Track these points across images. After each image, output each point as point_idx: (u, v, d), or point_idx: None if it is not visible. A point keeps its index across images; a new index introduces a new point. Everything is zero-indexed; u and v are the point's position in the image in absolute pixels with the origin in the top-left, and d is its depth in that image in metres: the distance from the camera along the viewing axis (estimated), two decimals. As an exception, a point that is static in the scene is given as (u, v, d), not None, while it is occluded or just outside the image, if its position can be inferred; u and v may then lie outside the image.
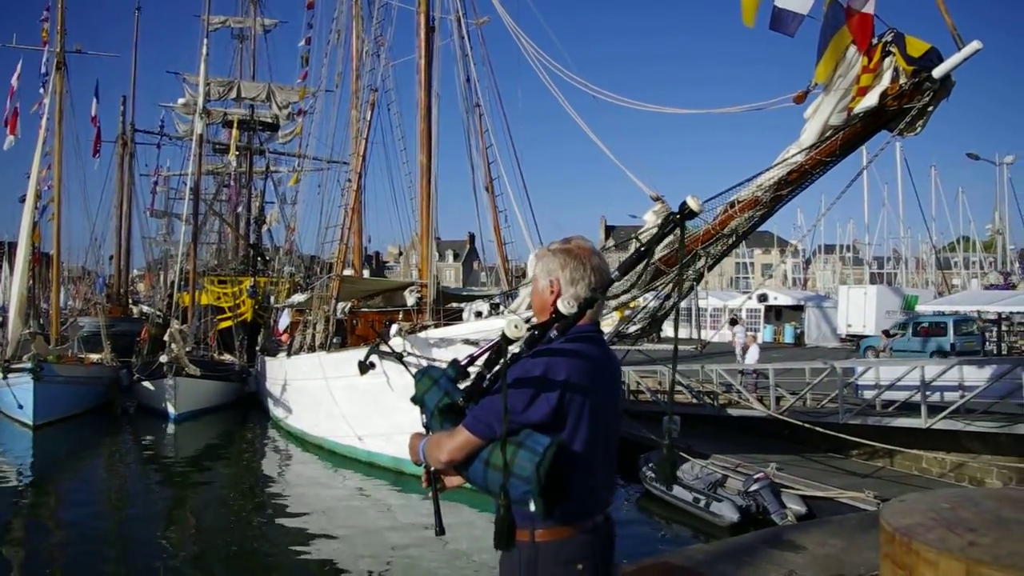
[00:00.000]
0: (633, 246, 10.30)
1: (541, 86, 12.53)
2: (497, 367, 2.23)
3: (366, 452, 15.02)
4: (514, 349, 2.19)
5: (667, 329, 12.66)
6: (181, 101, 34.71)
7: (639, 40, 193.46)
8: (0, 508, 12.85)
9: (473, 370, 2.45)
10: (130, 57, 40.27)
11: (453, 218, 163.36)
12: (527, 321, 2.20)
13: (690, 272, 9.13)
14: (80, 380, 20.79)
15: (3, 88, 24.41)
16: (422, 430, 2.53)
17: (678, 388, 15.39)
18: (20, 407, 18.87)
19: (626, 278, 8.01)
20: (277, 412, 19.72)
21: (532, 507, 2.14)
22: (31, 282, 27.49)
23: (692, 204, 2.16)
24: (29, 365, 18.68)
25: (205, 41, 27.31)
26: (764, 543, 5.34)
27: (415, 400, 2.52)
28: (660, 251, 8.29)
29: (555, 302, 2.26)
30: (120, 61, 33.22)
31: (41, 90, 24.40)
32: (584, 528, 2.34)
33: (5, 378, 19.22)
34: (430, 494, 2.53)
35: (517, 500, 2.17)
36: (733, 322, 28.83)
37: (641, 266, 7.91)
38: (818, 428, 12.73)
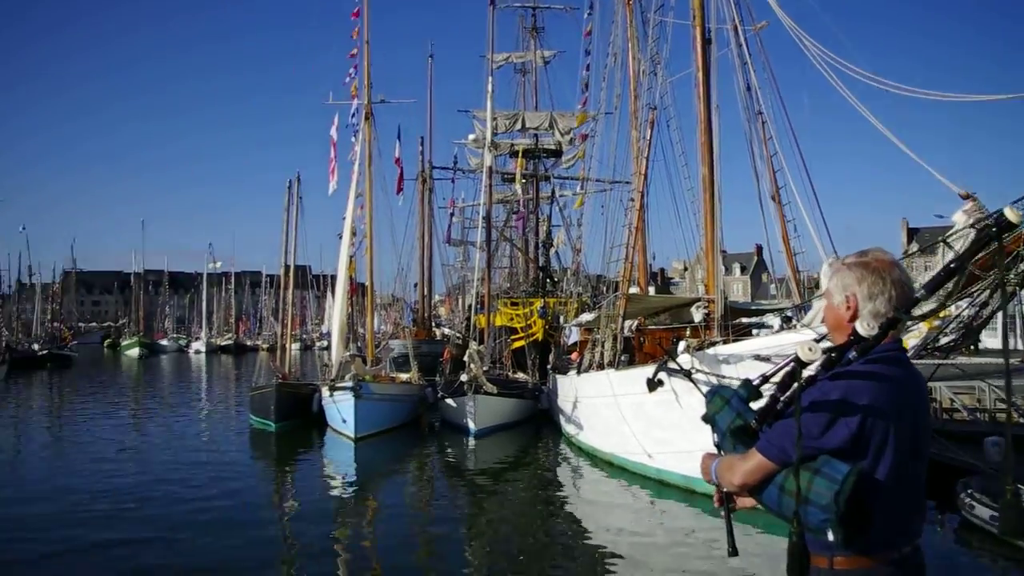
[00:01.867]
0: (940, 251, 9.35)
1: (825, 86, 11.84)
2: (790, 390, 2.13)
3: (656, 469, 14.88)
4: (810, 369, 2.07)
5: (985, 339, 11.32)
6: (471, 137, 37.03)
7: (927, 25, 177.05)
8: (329, 509, 14.41)
9: (766, 388, 2.36)
10: (426, 101, 43.66)
11: (738, 230, 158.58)
12: (819, 340, 2.06)
13: (1011, 275, 8.07)
14: (393, 398, 22.66)
15: (322, 141, 27.37)
16: (714, 449, 2.46)
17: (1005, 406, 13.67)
18: (344, 421, 20.97)
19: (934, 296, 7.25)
20: (568, 428, 20.18)
21: (831, 536, 2.02)
22: (350, 309, 30.55)
23: (1011, 216, 1.89)
24: (350, 384, 20.68)
25: (490, 79, 28.90)
26: None
27: (706, 419, 2.45)
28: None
29: (851, 319, 2.15)
30: (417, 105, 36.04)
31: (352, 139, 27.14)
32: (888, 559, 2.17)
33: (331, 395, 21.55)
34: (723, 514, 2.43)
35: (814, 528, 2.05)
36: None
37: (951, 283, 7.12)
38: None
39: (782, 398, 2.21)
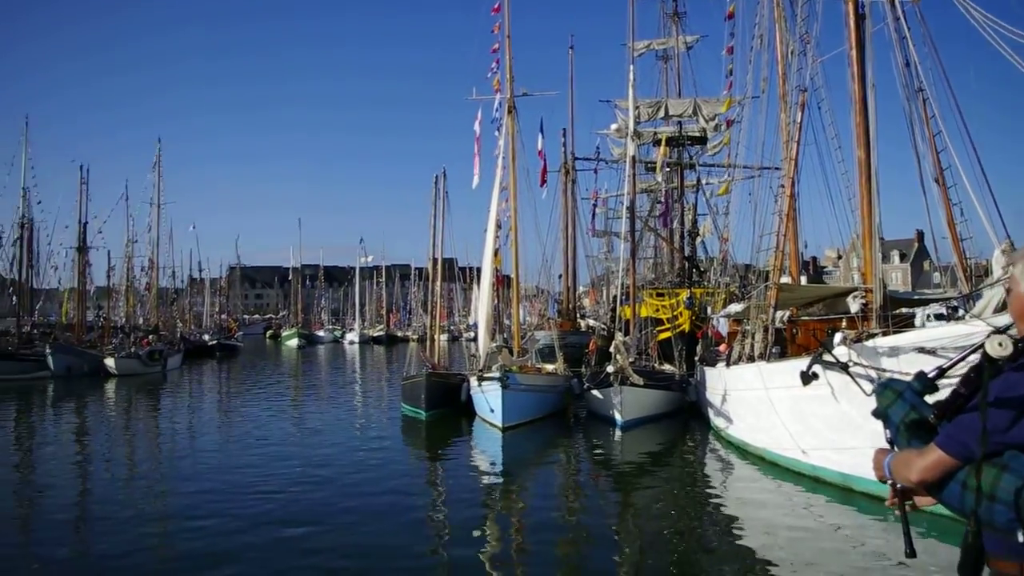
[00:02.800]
0: None
1: (994, 58, 11.03)
2: (974, 383, 2.02)
3: (810, 466, 14.33)
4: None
5: None
6: (614, 126, 36.76)
7: None
8: (478, 496, 14.71)
9: (943, 382, 2.25)
10: (567, 93, 43.69)
11: (897, 215, 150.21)
12: (1003, 330, 1.95)
13: None
14: (539, 388, 22.88)
15: (465, 137, 27.79)
16: (884, 445, 2.36)
17: None
18: (492, 411, 21.37)
19: None
20: (717, 421, 19.76)
21: (1021, 537, 1.89)
22: (496, 301, 31.03)
23: None
24: (498, 374, 21.08)
25: (631, 67, 28.57)
26: None
27: (877, 414, 2.35)
28: None
29: None
30: (558, 98, 36.11)
31: (496, 133, 27.53)
32: None
33: (480, 385, 22.01)
34: (897, 512, 2.32)
35: (1002, 528, 1.92)
36: None
37: None
38: None
39: (963, 392, 2.08)
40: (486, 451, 19.90)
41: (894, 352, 11.79)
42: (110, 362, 41.01)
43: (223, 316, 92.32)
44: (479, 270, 31.51)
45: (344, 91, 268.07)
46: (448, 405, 23.90)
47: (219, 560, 10.19)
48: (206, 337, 70.18)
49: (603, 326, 32.58)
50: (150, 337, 50.26)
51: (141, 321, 58.73)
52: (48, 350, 40.89)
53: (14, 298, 50.47)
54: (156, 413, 28.49)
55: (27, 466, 18.30)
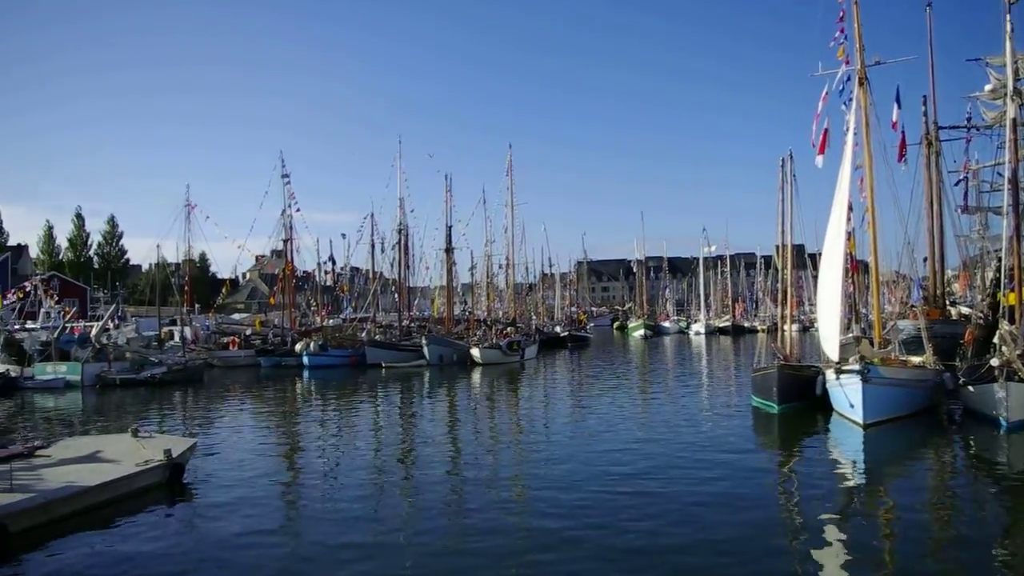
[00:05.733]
0: None
1: None
2: None
3: None
4: None
5: None
6: (987, 87, 32.68)
7: None
8: (834, 498, 13.83)
9: None
10: (926, 56, 39.49)
11: None
12: None
13: None
14: (905, 382, 21.01)
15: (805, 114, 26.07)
16: None
17: None
18: (851, 406, 20.09)
19: None
20: None
21: None
22: (851, 288, 29.08)
23: None
24: (858, 367, 19.74)
25: (1008, 16, 25.06)
26: None
27: None
28: None
29: None
30: (916, 63, 32.73)
31: (843, 107, 25.71)
32: None
33: (837, 379, 20.76)
34: None
35: None
36: None
37: None
38: None
39: None
40: (845, 449, 18.71)
41: None
42: (476, 352, 45.21)
43: (573, 308, 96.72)
44: (812, 256, 29.58)
45: (686, 70, 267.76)
46: (802, 399, 22.90)
47: (561, 543, 10.83)
48: (558, 328, 74.26)
49: (979, 314, 29.02)
50: (509, 329, 54.49)
51: (500, 314, 63.81)
52: (424, 341, 46.18)
53: (395, 295, 57.51)
54: (516, 399, 30.70)
55: (414, 439, 20.61)
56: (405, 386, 35.14)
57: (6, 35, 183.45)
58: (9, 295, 44.97)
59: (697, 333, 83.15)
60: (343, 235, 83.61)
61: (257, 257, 66.81)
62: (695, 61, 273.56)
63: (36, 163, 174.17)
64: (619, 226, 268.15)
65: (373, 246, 61.80)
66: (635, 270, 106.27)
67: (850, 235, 25.84)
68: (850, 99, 25.28)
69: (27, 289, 46.02)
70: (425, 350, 45.35)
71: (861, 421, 19.59)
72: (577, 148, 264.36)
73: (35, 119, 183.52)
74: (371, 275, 65.14)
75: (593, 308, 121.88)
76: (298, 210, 53.30)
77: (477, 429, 23.27)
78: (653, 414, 24.83)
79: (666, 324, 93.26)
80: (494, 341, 48.42)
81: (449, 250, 53.69)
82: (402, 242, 54.47)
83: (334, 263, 76.48)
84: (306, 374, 42.19)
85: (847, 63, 25.04)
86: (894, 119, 27.37)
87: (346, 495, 14.14)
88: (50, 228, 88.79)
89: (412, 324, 57.43)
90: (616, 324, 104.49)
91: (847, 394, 20.20)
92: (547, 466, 16.42)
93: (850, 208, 24.40)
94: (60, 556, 10.91)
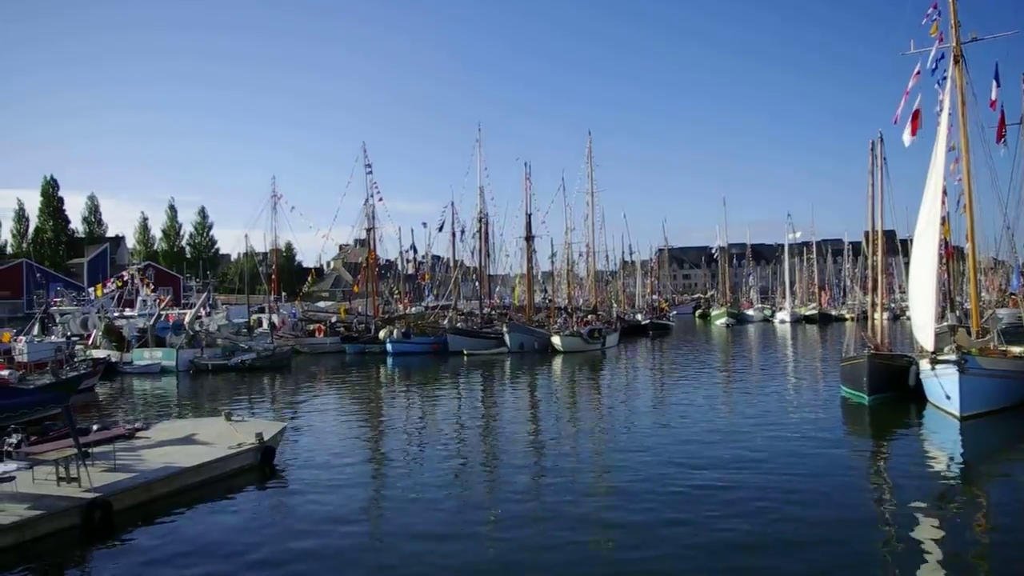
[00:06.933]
0: None
1: None
2: None
3: None
4: None
5: None
6: (1098, 62, 30.95)
7: None
8: (928, 493, 13.36)
9: None
10: (1030, 30, 37.53)
11: None
12: None
13: None
14: (1006, 374, 20.12)
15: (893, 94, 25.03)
16: None
17: None
18: (947, 397, 19.37)
19: None
20: None
21: None
22: (945, 276, 27.99)
23: None
24: (954, 357, 19.00)
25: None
26: None
27: None
28: None
29: None
30: (1015, 38, 31.14)
31: (936, 87, 24.62)
32: None
33: (932, 369, 20.02)
34: None
35: None
36: None
37: None
38: None
39: None
40: (941, 442, 18.09)
41: None
42: (556, 340, 45.21)
43: (654, 296, 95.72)
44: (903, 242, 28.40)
45: (777, 52, 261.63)
46: (893, 389, 22.21)
47: (646, 540, 10.81)
48: (639, 316, 73.58)
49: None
50: (589, 317, 54.30)
51: (581, 302, 63.63)
52: (505, 329, 46.42)
53: (476, 283, 57.88)
54: (597, 388, 30.63)
55: (495, 427, 20.76)
56: (486, 374, 35.43)
57: (123, 28, 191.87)
58: (109, 284, 47.22)
59: (782, 322, 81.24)
60: (424, 224, 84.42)
61: (341, 246, 68.13)
62: (780, 49, 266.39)
63: (137, 159, 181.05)
64: (700, 213, 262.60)
65: (453, 234, 62.40)
66: (717, 257, 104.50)
67: (944, 220, 24.77)
68: (944, 78, 24.22)
69: (125, 278, 48.26)
70: (506, 338, 45.57)
71: (958, 413, 18.88)
72: (656, 139, 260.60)
73: (144, 118, 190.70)
74: (452, 263, 65.75)
75: (675, 296, 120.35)
76: (380, 200, 54.12)
77: (558, 418, 23.31)
78: (737, 405, 24.37)
79: (750, 312, 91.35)
80: (575, 329, 48.28)
81: (529, 238, 53.72)
82: (482, 230, 54.76)
83: (415, 251, 77.60)
84: (390, 361, 42.96)
85: (940, 40, 24.04)
86: (993, 97, 26.11)
87: (430, 482, 14.38)
88: (145, 220, 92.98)
89: (493, 312, 57.81)
90: (698, 312, 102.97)
91: (943, 385, 19.48)
92: (629, 457, 16.32)
93: (944, 192, 23.36)
94: (159, 533, 11.41)
